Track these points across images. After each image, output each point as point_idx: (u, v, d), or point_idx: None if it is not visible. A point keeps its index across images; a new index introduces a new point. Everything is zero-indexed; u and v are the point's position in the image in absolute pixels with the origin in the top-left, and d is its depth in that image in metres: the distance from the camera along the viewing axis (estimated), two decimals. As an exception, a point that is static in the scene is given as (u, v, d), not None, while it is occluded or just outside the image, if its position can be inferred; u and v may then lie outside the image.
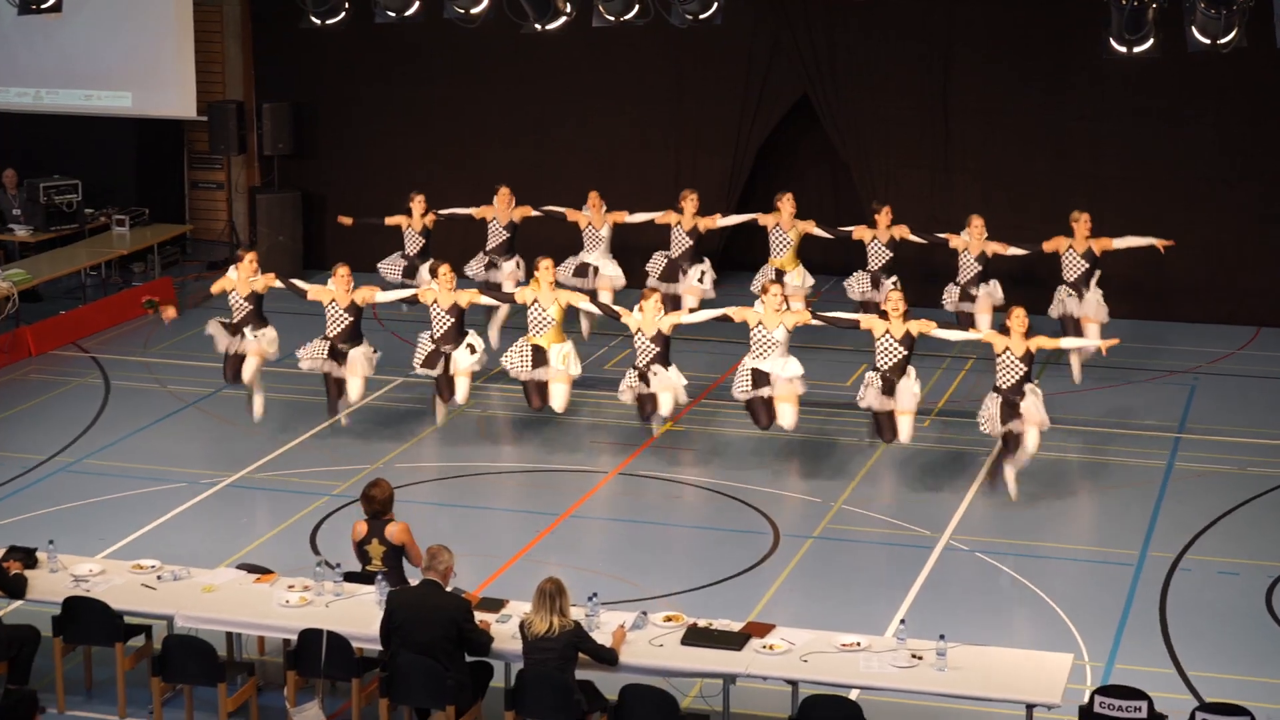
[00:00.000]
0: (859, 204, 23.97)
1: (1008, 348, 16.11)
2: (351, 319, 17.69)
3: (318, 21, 20.24)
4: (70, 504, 16.95)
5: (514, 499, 17.35)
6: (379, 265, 21.29)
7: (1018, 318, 16.12)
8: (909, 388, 16.50)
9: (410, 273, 20.90)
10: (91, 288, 24.37)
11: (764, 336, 16.53)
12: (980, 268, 19.63)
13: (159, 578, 13.12)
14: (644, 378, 17.04)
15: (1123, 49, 17.66)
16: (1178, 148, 22.94)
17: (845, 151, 24.01)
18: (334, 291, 17.71)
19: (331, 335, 17.80)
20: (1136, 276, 21.63)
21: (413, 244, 21.02)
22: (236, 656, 13.15)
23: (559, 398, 17.51)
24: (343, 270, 17.76)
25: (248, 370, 18.09)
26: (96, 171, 25.94)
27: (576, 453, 18.20)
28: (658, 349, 16.77)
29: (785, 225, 20.48)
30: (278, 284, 18.01)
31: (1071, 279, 19.42)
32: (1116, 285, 19.58)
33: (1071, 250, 19.34)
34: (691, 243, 20.69)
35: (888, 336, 16.35)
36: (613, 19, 18.84)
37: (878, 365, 16.45)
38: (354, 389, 17.89)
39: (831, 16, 23.71)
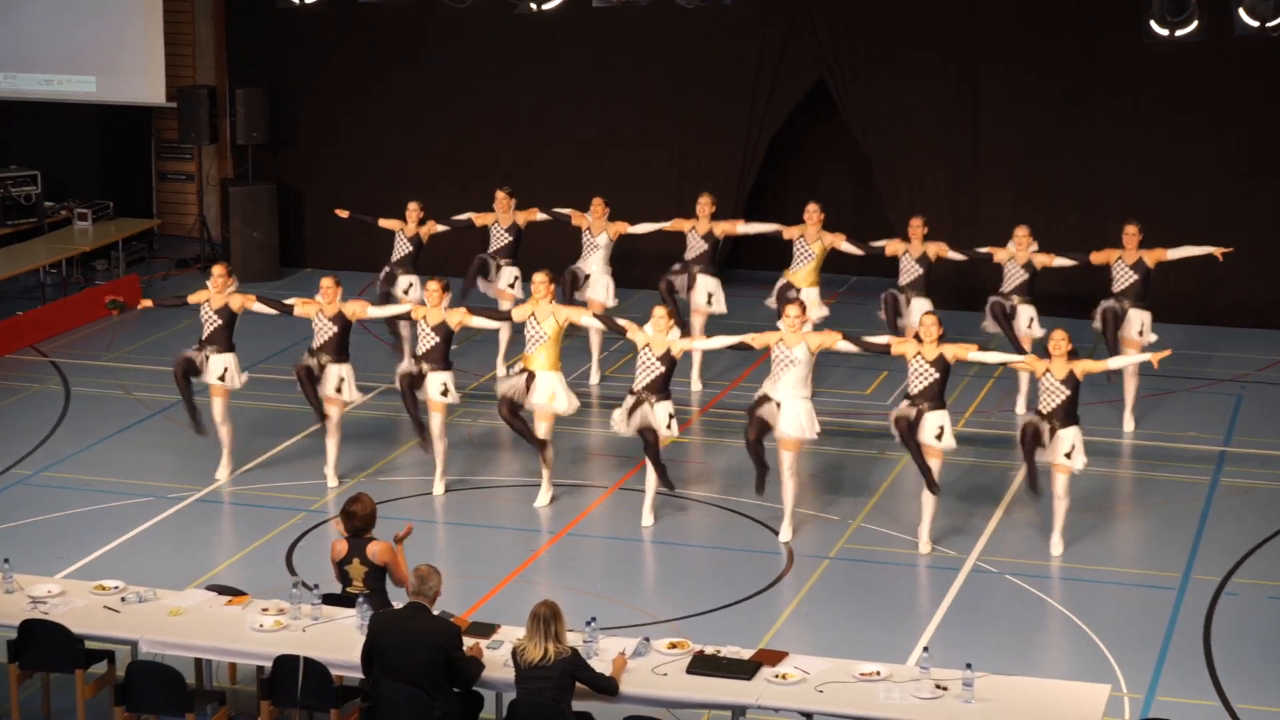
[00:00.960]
0: (879, 200, 23.99)
1: (1048, 370, 16.00)
2: (337, 329, 17.54)
3: (296, 0, 20.25)
4: (27, 519, 16.93)
5: (506, 515, 17.33)
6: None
7: (1056, 341, 16.00)
8: (934, 426, 16.21)
9: (391, 280, 20.69)
10: (51, 287, 24.37)
11: (784, 354, 16.38)
12: (1027, 275, 19.29)
13: (123, 599, 13.09)
14: (636, 407, 16.75)
15: (1164, 32, 17.68)
16: (1222, 140, 22.93)
17: (865, 143, 24.01)
18: (320, 303, 17.56)
19: (316, 347, 17.63)
20: (1178, 279, 21.61)
21: (400, 250, 20.81)
22: (206, 685, 13.15)
23: (540, 429, 17.32)
24: (327, 282, 17.61)
25: (216, 409, 17.94)
26: (57, 162, 25.95)
27: (574, 465, 18.18)
28: (663, 369, 16.63)
29: (810, 238, 20.09)
30: (257, 306, 17.78)
31: (1119, 290, 19.25)
32: (1157, 288, 19.53)
33: (1121, 262, 19.16)
34: (707, 247, 20.44)
35: (919, 359, 16.15)
36: (615, -1, 18.85)
37: (910, 390, 16.28)
38: (333, 414, 17.72)
39: (850, -4, 23.76)
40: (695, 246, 20.44)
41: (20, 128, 26.42)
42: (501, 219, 20.95)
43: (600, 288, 20.58)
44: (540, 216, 21.05)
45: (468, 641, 12.18)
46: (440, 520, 17.13)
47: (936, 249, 19.65)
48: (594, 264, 20.63)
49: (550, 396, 17.06)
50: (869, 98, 23.83)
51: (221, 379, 17.71)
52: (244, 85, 25.58)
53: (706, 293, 20.37)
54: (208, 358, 17.71)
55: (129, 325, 23.12)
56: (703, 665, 12.11)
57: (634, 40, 24.61)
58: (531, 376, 17.12)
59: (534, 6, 18.75)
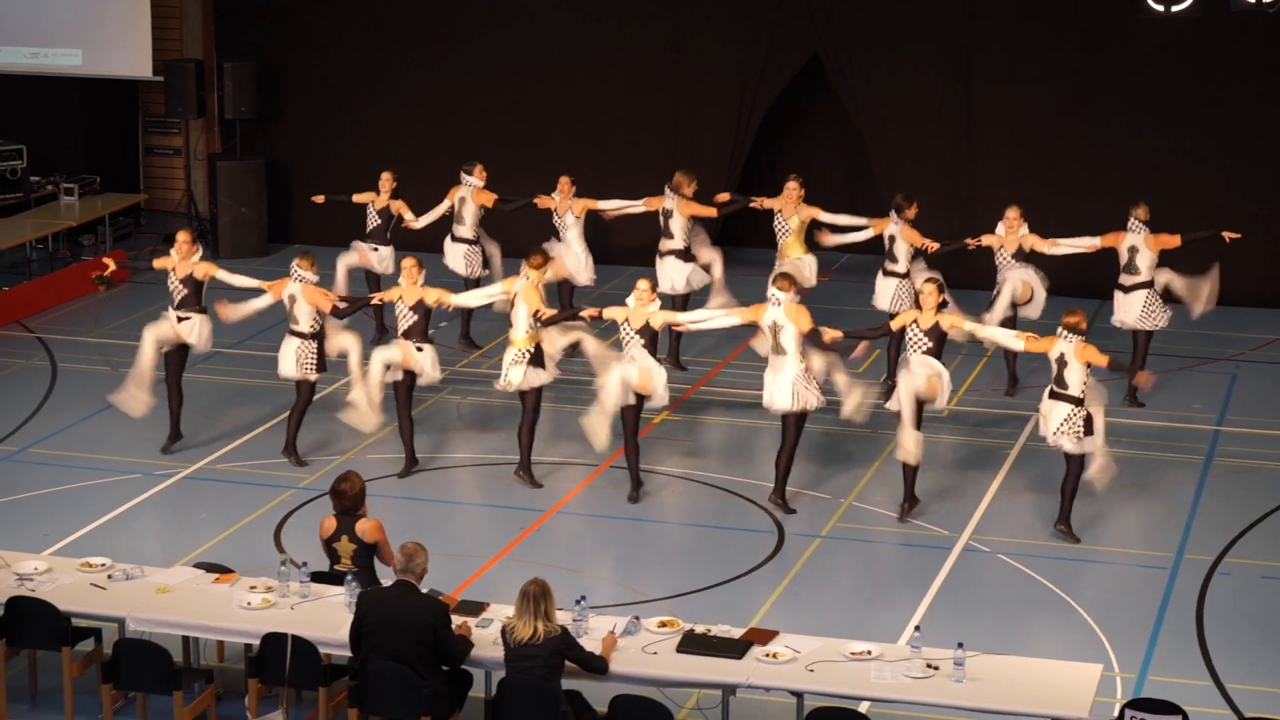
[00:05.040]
0: (873, 176, 23.99)
1: (1070, 354, 15.82)
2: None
3: (284, -27, 20.24)
4: (13, 496, 16.95)
5: (496, 493, 17.36)
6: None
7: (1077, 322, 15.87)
8: (927, 371, 16.33)
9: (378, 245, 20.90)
10: (37, 262, 24.36)
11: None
12: (1019, 267, 19.04)
13: (110, 577, 13.12)
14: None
15: (1160, 8, 17.72)
16: (1220, 115, 22.92)
17: (858, 119, 24.00)
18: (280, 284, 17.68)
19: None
20: (1173, 255, 21.64)
21: (371, 223, 20.99)
22: (194, 663, 13.17)
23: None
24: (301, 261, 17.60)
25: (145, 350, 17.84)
26: (43, 136, 25.91)
27: (563, 444, 18.20)
28: (643, 343, 16.69)
29: (787, 214, 20.02)
30: (223, 275, 17.85)
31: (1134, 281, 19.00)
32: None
33: (1133, 247, 18.88)
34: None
35: (914, 326, 16.32)
36: (605, -28, 18.84)
37: (908, 356, 16.42)
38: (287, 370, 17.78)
39: (844, -30, 23.75)
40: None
41: (5, 101, 26.39)
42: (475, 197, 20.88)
43: (571, 264, 20.47)
44: (503, 203, 20.90)
45: (456, 620, 12.22)
46: (429, 498, 17.16)
47: (925, 242, 19.27)
48: (565, 245, 20.63)
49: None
50: (862, 73, 23.81)
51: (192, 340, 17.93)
52: (231, 59, 25.55)
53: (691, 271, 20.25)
54: (180, 320, 17.85)
55: (115, 301, 23.14)
56: (693, 644, 12.15)
57: (626, 15, 24.61)
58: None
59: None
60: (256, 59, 25.63)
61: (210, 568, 13.51)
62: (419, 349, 17.23)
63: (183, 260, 17.87)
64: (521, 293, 17.10)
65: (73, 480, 17.33)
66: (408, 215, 20.95)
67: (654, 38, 24.68)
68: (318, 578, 13.08)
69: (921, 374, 16.24)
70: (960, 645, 11.83)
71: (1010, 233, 19.09)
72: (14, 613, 12.80)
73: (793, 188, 19.95)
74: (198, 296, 17.92)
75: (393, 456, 17.81)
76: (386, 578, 12.85)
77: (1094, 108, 23.27)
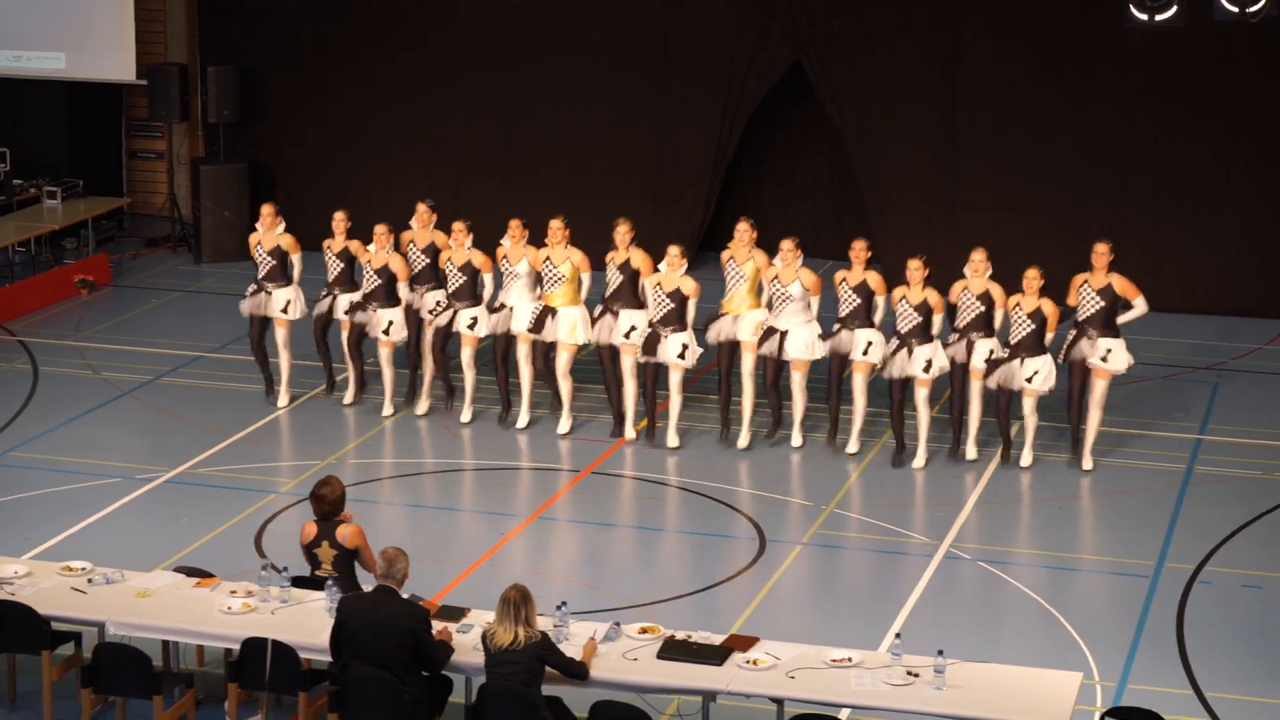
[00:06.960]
0: (857, 184, 24.00)
1: (1018, 304, 17.18)
2: (382, 281, 18.53)
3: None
4: (-6, 500, 16.97)
5: (477, 499, 17.37)
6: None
7: (1029, 279, 17.18)
8: (920, 360, 17.26)
9: (329, 312, 18.87)
10: (20, 265, 24.32)
11: (780, 292, 17.50)
12: (984, 308, 17.48)
13: (90, 581, 13.11)
14: (654, 341, 17.67)
15: (1144, 16, 17.80)
16: (1206, 124, 22.91)
17: (841, 124, 24.00)
18: (370, 253, 18.65)
19: (366, 294, 18.69)
20: (1155, 264, 21.70)
21: (331, 269, 18.88)
22: (174, 667, 13.16)
23: (560, 363, 18.24)
24: (380, 229, 18.56)
25: (278, 337, 18.90)
26: (26, 139, 25.89)
27: (545, 449, 18.21)
28: (673, 305, 17.56)
29: (740, 259, 17.94)
30: (295, 259, 18.94)
31: (1083, 318, 17.58)
32: (1134, 275, 19.54)
33: (1088, 286, 17.51)
34: (624, 279, 17.95)
35: (904, 303, 17.27)
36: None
37: (898, 329, 17.33)
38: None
39: (827, -25, 23.74)
40: (614, 280, 18.10)
41: (-12, 104, 26.41)
42: (419, 237, 18.80)
43: (525, 319, 18.30)
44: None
45: (437, 625, 12.23)
46: (410, 503, 17.16)
47: (876, 280, 17.62)
48: (514, 296, 18.34)
49: (571, 329, 18.05)
50: (845, 78, 23.79)
51: (285, 311, 18.81)
52: (215, 62, 25.52)
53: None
54: (270, 294, 18.85)
55: (98, 305, 23.11)
56: (673, 650, 12.15)
57: (611, 19, 24.61)
58: (552, 312, 18.09)
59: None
60: (240, 62, 25.60)
61: (191, 572, 13.48)
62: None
63: (267, 232, 18.90)
64: (583, 263, 18.20)
65: (54, 484, 17.30)
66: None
67: (640, 44, 24.66)
68: (298, 583, 13.07)
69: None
70: (941, 653, 11.84)
71: (976, 276, 17.58)
72: (-7, 616, 12.80)
73: (744, 229, 17.95)
74: (284, 268, 18.86)
75: (375, 462, 17.81)
76: (367, 583, 12.85)
77: (1079, 112, 23.26)
